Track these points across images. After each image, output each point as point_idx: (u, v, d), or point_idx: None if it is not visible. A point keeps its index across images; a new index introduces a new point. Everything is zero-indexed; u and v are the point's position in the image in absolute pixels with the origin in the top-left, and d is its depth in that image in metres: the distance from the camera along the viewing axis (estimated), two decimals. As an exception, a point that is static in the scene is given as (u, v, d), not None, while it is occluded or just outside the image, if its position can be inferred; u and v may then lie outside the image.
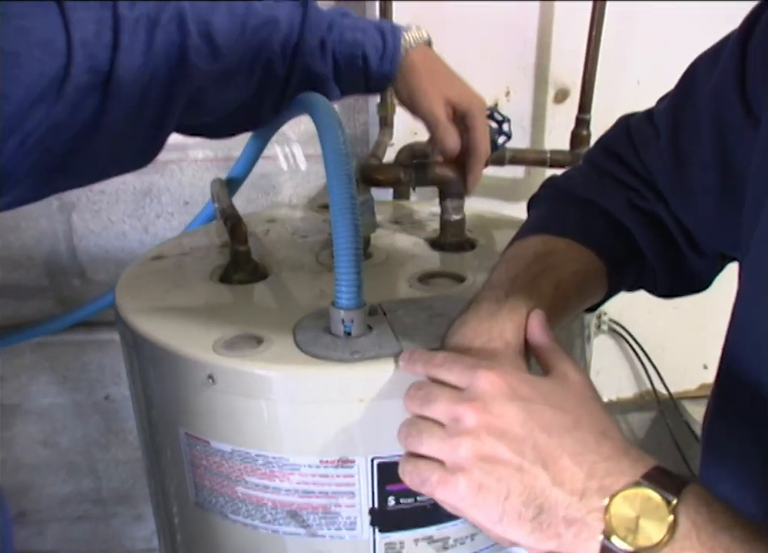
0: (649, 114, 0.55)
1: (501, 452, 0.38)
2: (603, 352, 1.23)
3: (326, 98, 0.59)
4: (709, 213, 0.51)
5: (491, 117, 0.91)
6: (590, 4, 0.93)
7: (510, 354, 0.44)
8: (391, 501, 0.52)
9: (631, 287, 0.58)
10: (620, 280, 0.55)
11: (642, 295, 0.60)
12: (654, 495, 0.34)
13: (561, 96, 1.03)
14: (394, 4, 0.95)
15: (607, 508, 0.35)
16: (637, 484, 0.35)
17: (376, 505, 0.52)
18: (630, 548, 0.34)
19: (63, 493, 1.34)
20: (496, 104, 1.01)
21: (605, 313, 1.18)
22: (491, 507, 0.37)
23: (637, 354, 1.22)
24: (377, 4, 0.96)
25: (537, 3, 0.98)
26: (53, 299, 1.18)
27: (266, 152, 0.83)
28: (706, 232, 0.53)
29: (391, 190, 1.00)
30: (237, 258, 0.65)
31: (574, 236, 0.53)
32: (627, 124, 0.57)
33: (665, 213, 0.54)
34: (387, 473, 0.51)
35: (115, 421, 1.28)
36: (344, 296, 0.50)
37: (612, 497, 0.35)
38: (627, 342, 1.21)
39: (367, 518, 0.53)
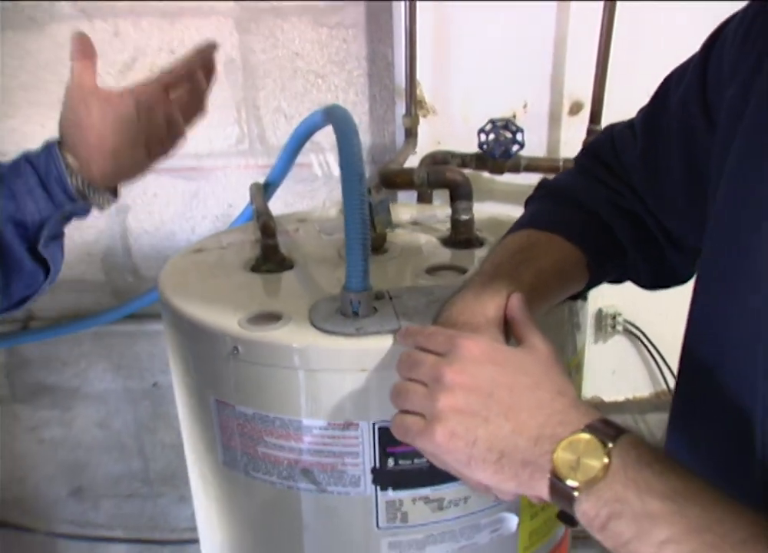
0: (630, 122, 0.61)
1: (471, 405, 0.44)
2: (618, 353, 1.26)
3: (346, 110, 0.67)
4: (680, 213, 0.56)
5: (506, 127, 0.98)
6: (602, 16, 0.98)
7: (489, 328, 0.51)
8: (390, 461, 0.59)
9: (618, 279, 0.64)
10: (602, 271, 0.61)
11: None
12: (593, 440, 0.40)
13: (576, 108, 1.08)
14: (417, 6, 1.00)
15: (554, 451, 0.41)
16: (582, 431, 0.41)
17: (377, 465, 0.59)
18: (573, 483, 0.40)
19: (115, 472, 1.45)
20: (514, 116, 1.08)
21: (620, 314, 1.21)
22: (461, 451, 0.44)
23: (651, 354, 1.25)
24: (402, 4, 1.01)
25: (553, 19, 1.04)
26: (109, 292, 1.29)
27: (303, 160, 0.91)
28: (680, 229, 0.58)
29: (415, 194, 1.07)
30: (266, 250, 0.73)
31: (556, 230, 0.59)
32: (611, 132, 0.63)
33: (644, 212, 0.60)
34: (387, 436, 0.57)
35: (162, 406, 1.38)
36: (353, 280, 0.58)
37: (559, 442, 0.41)
38: (642, 342, 1.24)
39: (369, 477, 0.60)
